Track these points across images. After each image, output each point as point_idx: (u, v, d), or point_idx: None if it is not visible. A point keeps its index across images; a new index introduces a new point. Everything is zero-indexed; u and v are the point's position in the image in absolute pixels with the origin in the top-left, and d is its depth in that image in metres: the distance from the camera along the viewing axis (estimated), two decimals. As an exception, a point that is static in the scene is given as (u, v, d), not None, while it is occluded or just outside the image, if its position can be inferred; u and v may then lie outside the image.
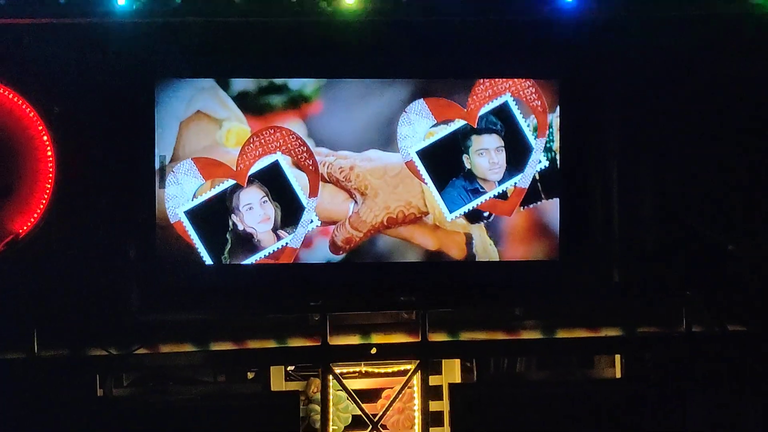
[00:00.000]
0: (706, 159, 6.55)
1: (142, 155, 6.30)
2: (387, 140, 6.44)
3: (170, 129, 6.33)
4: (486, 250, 6.55)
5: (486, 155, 6.52)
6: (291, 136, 6.39)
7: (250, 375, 6.66)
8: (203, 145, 6.35)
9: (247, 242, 6.40)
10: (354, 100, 6.42)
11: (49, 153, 6.21)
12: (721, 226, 6.52)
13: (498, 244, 6.58)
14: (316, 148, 6.41)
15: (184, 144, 6.33)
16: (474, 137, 6.51)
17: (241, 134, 6.39)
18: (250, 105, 6.41)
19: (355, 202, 6.48)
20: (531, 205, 6.58)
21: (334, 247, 6.49)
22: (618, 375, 6.62)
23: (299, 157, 6.38)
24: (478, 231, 6.58)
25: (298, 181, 6.41)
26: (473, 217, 6.56)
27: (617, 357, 6.62)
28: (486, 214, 6.54)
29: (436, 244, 6.55)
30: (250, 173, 6.38)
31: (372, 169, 6.47)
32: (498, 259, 6.54)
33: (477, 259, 6.55)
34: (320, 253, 6.47)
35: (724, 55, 6.43)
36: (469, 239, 6.55)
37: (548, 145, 6.54)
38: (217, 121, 6.36)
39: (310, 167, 6.41)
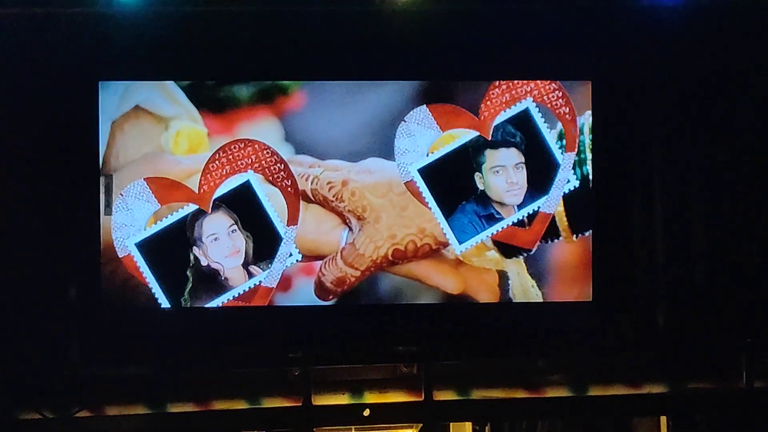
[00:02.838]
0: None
1: (82, 172, 5.76)
2: (391, 146, 5.82)
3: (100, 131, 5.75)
4: (526, 292, 5.89)
5: (503, 173, 5.89)
6: (266, 152, 5.72)
7: (216, 443, 6.28)
8: (144, 152, 5.75)
9: (212, 281, 5.82)
10: (347, 93, 5.82)
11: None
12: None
13: (542, 284, 5.91)
14: (296, 156, 5.73)
15: (119, 151, 5.73)
16: (488, 152, 5.88)
17: (195, 137, 5.76)
18: (206, 98, 5.77)
19: (350, 229, 5.81)
20: (586, 233, 5.94)
21: (321, 290, 5.81)
22: (664, 441, 6.14)
23: (275, 176, 5.73)
24: (516, 268, 5.88)
25: (274, 205, 5.78)
26: (509, 249, 5.86)
27: (663, 419, 6.15)
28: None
29: (460, 285, 5.86)
30: (215, 197, 5.75)
31: (372, 185, 5.78)
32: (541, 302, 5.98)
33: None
34: (302, 297, 5.84)
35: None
36: (503, 278, 5.89)
37: (578, 161, 5.94)
38: (162, 120, 5.76)
39: (289, 189, 5.73)
